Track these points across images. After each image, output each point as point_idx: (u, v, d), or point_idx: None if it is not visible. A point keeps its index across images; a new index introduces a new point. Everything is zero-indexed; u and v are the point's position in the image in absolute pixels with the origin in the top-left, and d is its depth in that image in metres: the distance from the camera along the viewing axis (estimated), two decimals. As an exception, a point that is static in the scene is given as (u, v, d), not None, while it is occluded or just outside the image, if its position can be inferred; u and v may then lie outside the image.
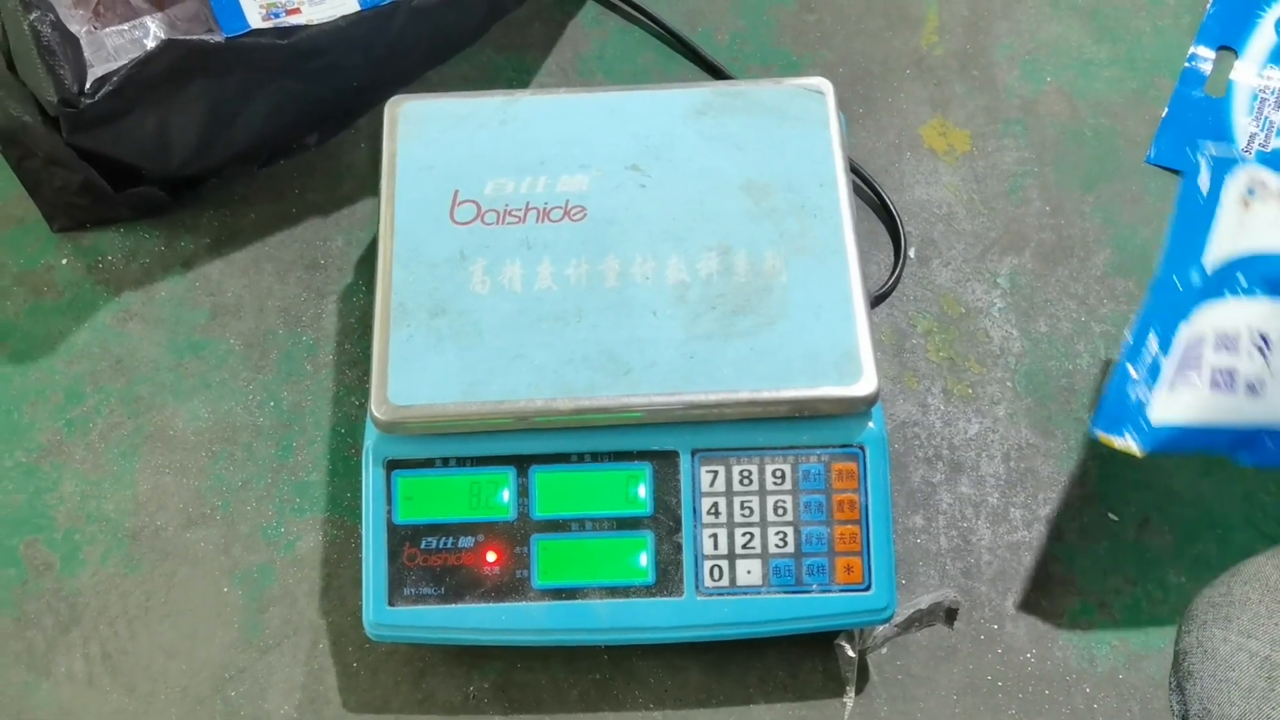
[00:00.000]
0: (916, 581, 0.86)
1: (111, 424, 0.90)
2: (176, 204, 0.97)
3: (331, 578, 0.86)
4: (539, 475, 0.80)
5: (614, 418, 0.79)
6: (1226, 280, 0.80)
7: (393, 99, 0.89)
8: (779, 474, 0.80)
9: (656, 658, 0.83)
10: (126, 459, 0.89)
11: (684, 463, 0.80)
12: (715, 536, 0.80)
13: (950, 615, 0.84)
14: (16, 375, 0.91)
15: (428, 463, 0.80)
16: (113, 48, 0.92)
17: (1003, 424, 0.92)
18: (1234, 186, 0.83)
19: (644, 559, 0.79)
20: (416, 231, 0.83)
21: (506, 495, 0.79)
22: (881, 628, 0.82)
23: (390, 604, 0.79)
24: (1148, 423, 0.77)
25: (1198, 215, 0.82)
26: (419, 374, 0.78)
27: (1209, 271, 0.81)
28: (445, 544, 0.79)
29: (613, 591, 0.79)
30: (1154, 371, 0.78)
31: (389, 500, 0.79)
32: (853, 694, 0.82)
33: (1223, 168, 0.84)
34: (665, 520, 0.80)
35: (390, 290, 0.81)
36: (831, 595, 0.79)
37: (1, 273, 0.95)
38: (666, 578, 0.79)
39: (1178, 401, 0.77)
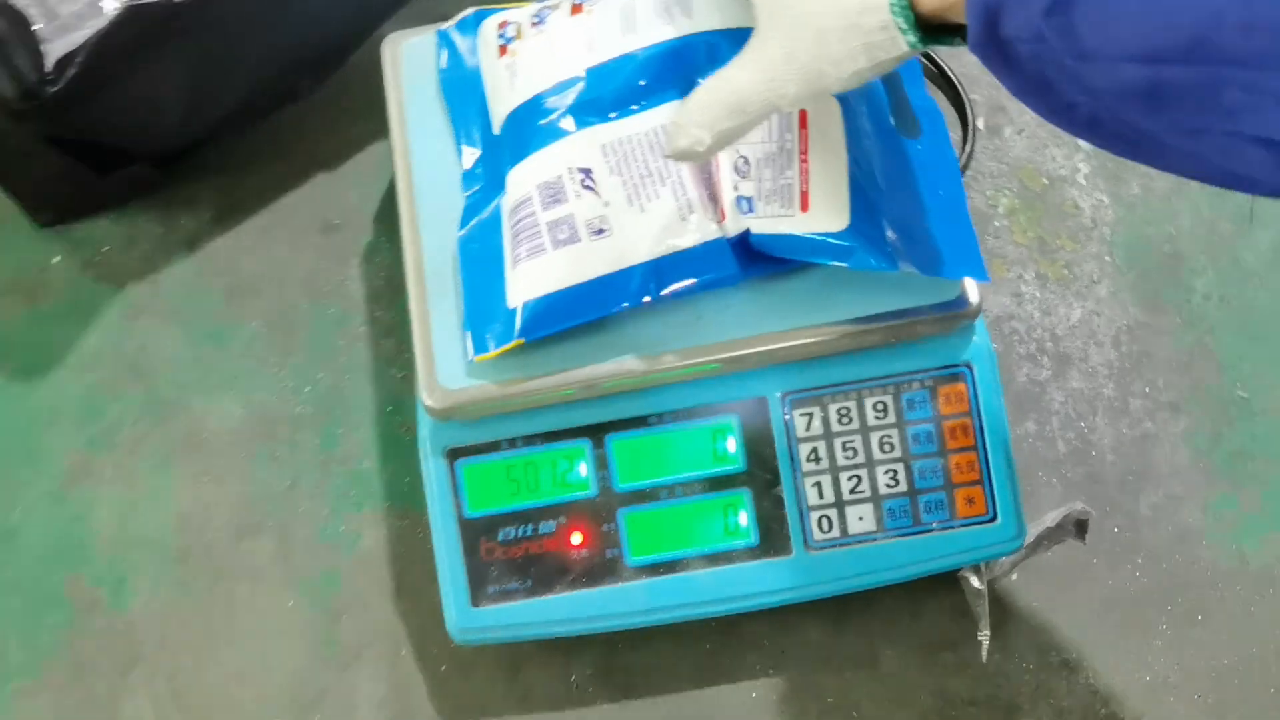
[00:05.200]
0: (1038, 495, 0.79)
1: (138, 435, 0.82)
2: (169, 179, 0.88)
3: (403, 575, 0.78)
4: (617, 443, 0.72)
5: (693, 372, 0.70)
6: (521, 134, 0.71)
7: (390, 36, 0.79)
8: (880, 407, 0.72)
9: (768, 619, 0.76)
10: (160, 472, 0.81)
11: (774, 408, 0.72)
12: (819, 485, 0.72)
13: (1080, 528, 0.77)
14: (26, 394, 0.83)
15: (492, 446, 0.72)
16: (69, 14, 0.82)
17: (1107, 304, 0.83)
18: (485, 40, 0.76)
19: (744, 518, 0.72)
20: (440, 186, 0.74)
21: (584, 469, 0.72)
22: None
23: (474, 604, 0.72)
24: (507, 313, 0.68)
25: (466, 86, 0.76)
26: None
27: (499, 133, 0.73)
28: (525, 532, 0.72)
29: (714, 559, 0.72)
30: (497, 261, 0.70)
31: (455, 493, 0.72)
32: (987, 630, 0.75)
33: (468, 28, 0.78)
34: (761, 474, 0.72)
35: (421, 259, 0.73)
36: (955, 531, 0.72)
37: (-9, 282, 0.86)
38: (771, 536, 0.72)
39: (531, 275, 0.68)
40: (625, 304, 0.68)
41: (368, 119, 0.89)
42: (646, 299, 0.68)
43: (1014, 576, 0.77)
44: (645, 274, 0.68)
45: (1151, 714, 0.74)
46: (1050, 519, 0.76)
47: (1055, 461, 0.79)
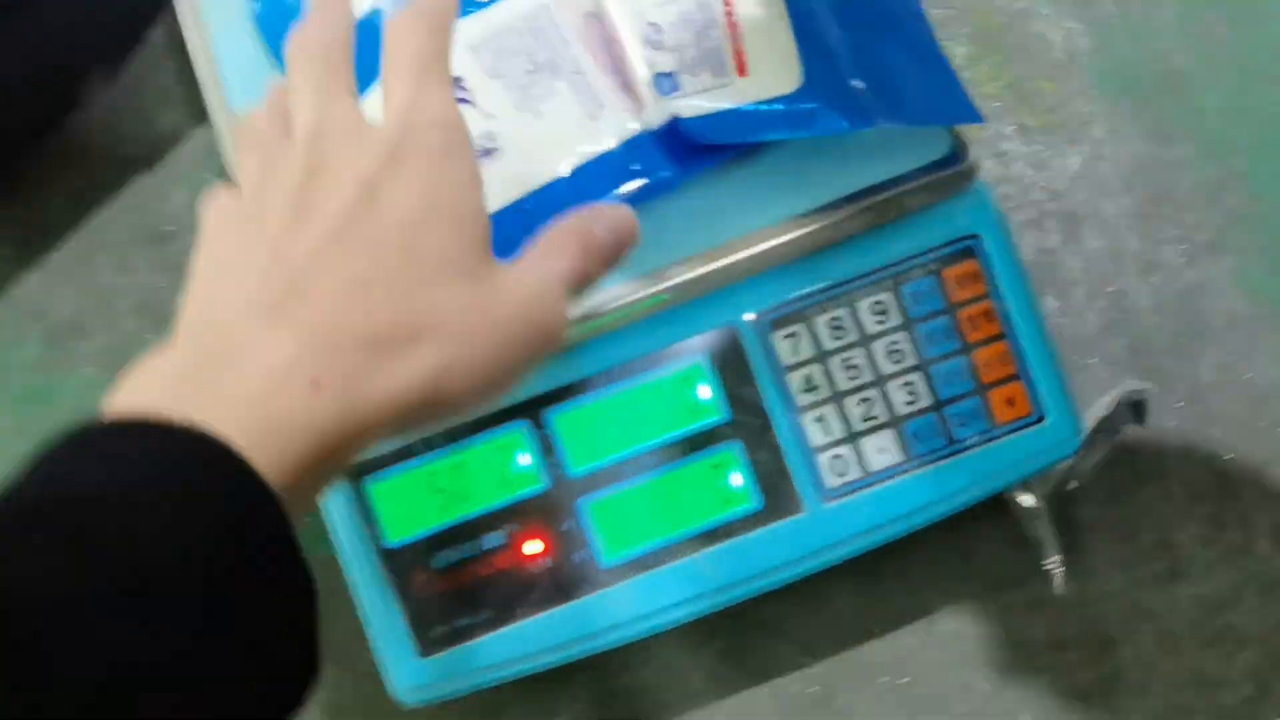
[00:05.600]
0: (1079, 382, 0.64)
1: (-33, 532, 0.65)
2: (-50, 216, 0.71)
3: (326, 635, 0.62)
4: (561, 419, 0.56)
5: (635, 311, 0.55)
6: (364, 57, 0.54)
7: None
8: (879, 308, 0.57)
9: (789, 597, 0.61)
10: (3, 571, 0.64)
11: (748, 335, 0.57)
12: (822, 419, 0.57)
13: (1137, 411, 0.63)
14: None
15: (405, 452, 0.56)
16: None
17: (1108, 145, 0.69)
18: None
19: (738, 479, 0.57)
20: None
21: (527, 459, 0.56)
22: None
23: (422, 654, 0.56)
24: None
25: (288, 18, 0.55)
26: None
27: None
28: (467, 552, 0.56)
29: (710, 537, 0.57)
30: None
31: (368, 520, 0.56)
32: (1057, 555, 0.61)
33: None
34: (749, 420, 0.57)
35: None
36: (999, 442, 0.57)
37: None
38: (776, 494, 0.57)
39: None
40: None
41: (184, 100, 0.73)
42: None
43: (1072, 485, 0.62)
44: (557, 197, 0.53)
45: (1277, 614, 0.60)
46: (1101, 408, 0.62)
47: (1090, 339, 0.65)
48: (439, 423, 0.41)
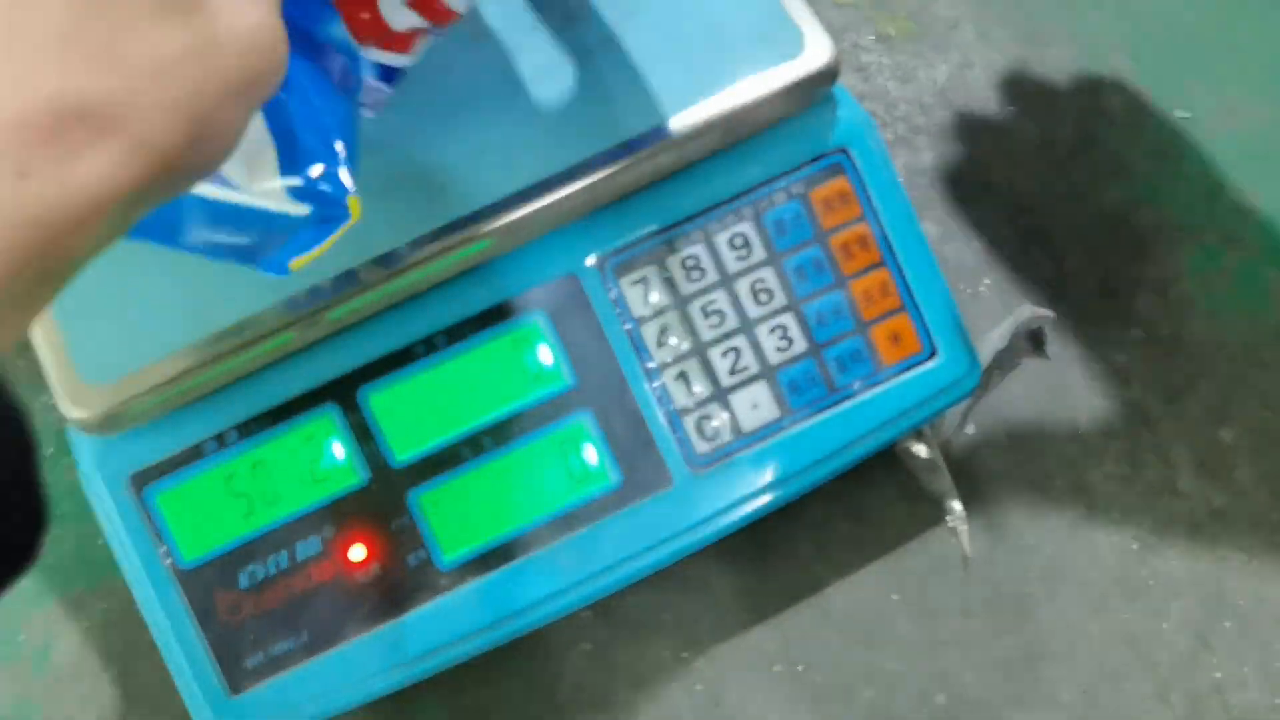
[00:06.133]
0: (966, 314, 0.57)
1: None
2: None
3: (128, 678, 0.53)
4: (377, 398, 0.48)
5: (453, 263, 0.47)
6: None
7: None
8: (739, 242, 0.49)
9: (662, 585, 0.53)
10: None
11: (591, 285, 0.49)
12: (684, 376, 0.49)
13: (1036, 340, 0.56)
14: None
15: (194, 453, 0.47)
16: None
17: (978, 49, 0.62)
18: None
19: (592, 454, 0.49)
20: None
21: (340, 449, 0.48)
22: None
23: (233, 692, 0.47)
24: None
25: None
26: (112, 319, 0.45)
27: None
28: (278, 565, 0.48)
29: (565, 523, 0.49)
30: None
31: (159, 537, 0.47)
32: (959, 507, 0.54)
33: None
34: (600, 383, 0.49)
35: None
36: (887, 386, 0.50)
37: None
38: (638, 467, 0.49)
39: None
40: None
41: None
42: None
43: (970, 430, 0.55)
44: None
45: (1208, 555, 0.53)
46: (995, 339, 0.55)
47: (975, 267, 0.58)
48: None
